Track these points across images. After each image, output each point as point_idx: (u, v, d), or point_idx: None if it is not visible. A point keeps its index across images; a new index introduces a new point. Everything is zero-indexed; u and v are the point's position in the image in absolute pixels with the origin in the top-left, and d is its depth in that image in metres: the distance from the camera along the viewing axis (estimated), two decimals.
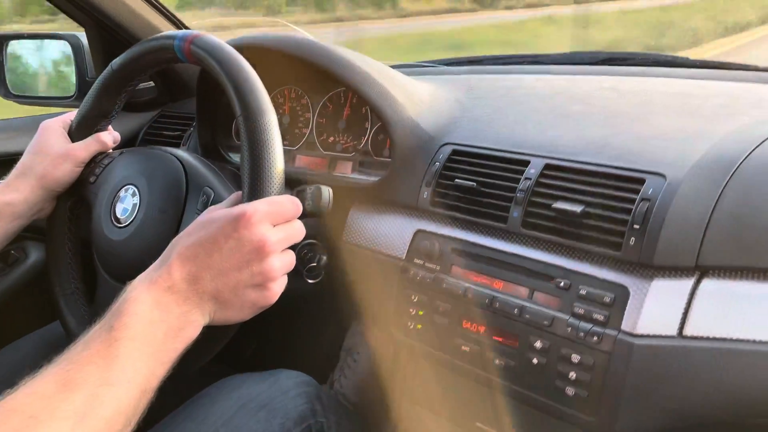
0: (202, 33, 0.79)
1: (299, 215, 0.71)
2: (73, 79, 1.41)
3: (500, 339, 0.82)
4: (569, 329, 0.75)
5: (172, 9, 1.36)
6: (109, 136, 0.96)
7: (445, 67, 1.41)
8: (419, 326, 0.91)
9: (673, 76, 1.11)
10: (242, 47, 0.92)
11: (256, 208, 0.66)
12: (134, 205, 0.87)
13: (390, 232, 0.97)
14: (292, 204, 0.70)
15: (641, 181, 0.74)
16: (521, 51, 2.10)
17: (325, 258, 0.98)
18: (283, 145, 1.16)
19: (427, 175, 0.94)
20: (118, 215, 0.87)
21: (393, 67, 1.28)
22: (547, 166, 0.83)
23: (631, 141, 0.81)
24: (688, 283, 0.69)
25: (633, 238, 0.72)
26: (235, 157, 1.21)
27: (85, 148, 0.93)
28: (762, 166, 0.72)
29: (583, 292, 0.75)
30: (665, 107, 0.93)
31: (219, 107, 1.21)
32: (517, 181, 0.84)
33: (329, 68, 0.99)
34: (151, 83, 1.46)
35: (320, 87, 1.14)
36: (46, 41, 1.50)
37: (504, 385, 0.82)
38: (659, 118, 0.88)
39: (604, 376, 0.72)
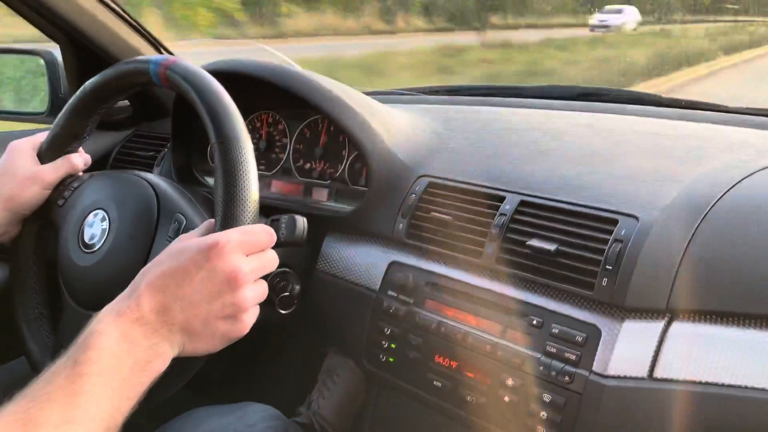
0: (178, 58, 0.78)
1: (273, 245, 0.70)
2: (46, 95, 1.39)
3: (472, 375, 0.81)
4: (541, 368, 0.75)
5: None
6: (80, 159, 0.94)
7: (423, 95, 1.42)
8: (391, 359, 0.90)
9: (646, 114, 1.13)
10: (218, 72, 0.91)
11: (229, 237, 0.65)
12: (103, 230, 0.85)
13: (364, 262, 0.96)
14: (265, 233, 0.69)
15: (614, 222, 0.75)
16: None
17: (298, 287, 0.96)
18: (259, 170, 1.16)
19: (403, 206, 0.93)
20: (87, 240, 0.85)
21: (370, 93, 1.28)
22: (522, 203, 0.83)
23: (606, 181, 0.82)
24: (658, 325, 0.70)
25: (605, 279, 0.73)
26: (210, 180, 1.19)
27: (54, 170, 0.91)
28: (733, 210, 0.73)
29: (555, 330, 0.75)
30: (638, 147, 0.94)
31: (195, 129, 1.20)
32: (493, 216, 0.84)
33: (306, 96, 0.99)
34: (127, 102, 1.44)
35: (298, 113, 1.14)
36: (20, 56, 1.48)
37: (475, 422, 0.82)
38: (632, 158, 0.89)
39: (575, 416, 0.72)
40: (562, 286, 0.77)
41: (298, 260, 1.00)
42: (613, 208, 0.76)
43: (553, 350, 0.74)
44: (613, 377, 0.70)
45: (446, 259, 0.88)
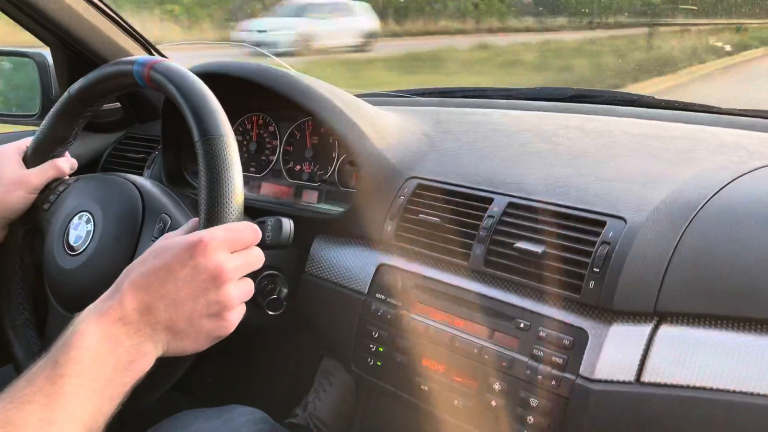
0: (162, 59, 0.78)
1: (258, 243, 0.70)
2: (38, 97, 1.38)
3: (459, 379, 0.81)
4: (528, 372, 0.74)
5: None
6: (66, 163, 0.94)
7: (415, 97, 1.41)
8: (379, 363, 0.89)
9: (638, 116, 1.13)
10: (207, 74, 0.91)
11: (213, 234, 0.64)
12: (88, 232, 0.84)
13: (353, 265, 0.95)
14: (250, 230, 0.68)
15: (602, 224, 0.74)
16: None
17: (285, 290, 0.96)
18: (249, 172, 1.16)
19: (391, 208, 0.93)
20: (72, 243, 0.85)
21: (362, 95, 1.28)
22: (510, 205, 0.82)
23: (594, 182, 0.81)
24: (646, 328, 0.69)
25: (592, 282, 0.72)
26: None
27: (40, 174, 0.90)
28: (721, 212, 0.72)
29: (542, 333, 0.74)
30: (628, 149, 0.94)
31: (184, 131, 1.19)
32: (481, 218, 0.83)
33: (294, 98, 0.98)
34: (118, 104, 1.44)
35: (288, 115, 1.13)
36: (11, 58, 1.47)
37: (463, 427, 0.81)
38: (622, 160, 0.88)
39: (562, 421, 0.71)
40: (549, 289, 0.76)
41: (287, 263, 1.00)
42: (600, 210, 0.76)
43: (540, 354, 0.74)
44: (600, 381, 0.69)
45: (434, 261, 0.88)
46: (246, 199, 0.71)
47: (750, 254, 0.68)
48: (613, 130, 1.02)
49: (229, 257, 0.64)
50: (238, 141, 0.72)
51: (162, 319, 0.62)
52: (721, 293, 0.67)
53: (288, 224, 0.74)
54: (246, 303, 0.68)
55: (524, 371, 0.74)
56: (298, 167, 1.12)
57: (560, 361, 0.72)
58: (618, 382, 0.68)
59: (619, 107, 1.19)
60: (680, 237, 0.71)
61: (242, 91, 1.06)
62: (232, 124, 0.73)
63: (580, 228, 0.76)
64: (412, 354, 0.85)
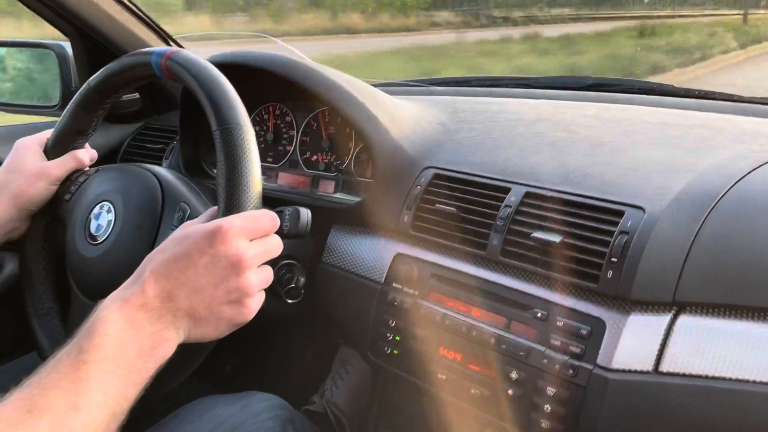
0: (180, 49, 0.78)
1: (276, 233, 0.70)
2: (57, 88, 1.40)
3: (476, 368, 0.81)
4: (545, 361, 0.74)
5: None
6: (86, 154, 0.95)
7: (432, 87, 1.41)
8: (396, 351, 0.90)
9: (657, 105, 1.11)
10: (224, 64, 0.91)
11: (232, 222, 0.65)
12: (109, 221, 0.85)
13: (369, 254, 0.96)
14: (269, 218, 0.69)
15: (620, 214, 0.74)
16: None
17: (303, 279, 0.96)
18: (266, 162, 1.17)
19: (408, 198, 0.93)
20: (93, 232, 0.86)
21: (378, 85, 1.28)
22: (528, 194, 0.82)
23: (612, 172, 0.81)
24: (664, 318, 0.69)
25: (610, 272, 0.71)
26: None
27: (61, 165, 0.92)
28: (741, 201, 0.72)
29: (560, 323, 0.74)
30: (647, 138, 0.93)
31: (202, 121, 1.20)
32: (498, 208, 0.83)
33: (311, 88, 0.98)
34: (136, 95, 1.45)
35: (305, 105, 1.14)
36: (32, 49, 1.49)
37: (479, 415, 0.81)
38: (641, 149, 0.87)
39: (579, 410, 0.71)
40: (566, 279, 0.75)
41: (304, 252, 1.01)
42: (619, 200, 0.75)
43: (558, 343, 0.74)
44: (618, 371, 0.69)
45: (451, 251, 0.88)
46: (263, 189, 0.71)
47: None
48: (631, 118, 1.01)
49: (248, 245, 0.65)
50: (255, 131, 0.72)
51: (183, 306, 0.63)
52: (741, 283, 0.67)
53: (306, 214, 0.74)
54: (264, 291, 0.69)
55: (541, 360, 0.74)
56: (315, 157, 1.12)
57: (577, 350, 0.72)
58: (636, 372, 0.68)
59: (638, 96, 1.18)
60: (700, 227, 0.70)
61: (259, 81, 1.07)
62: (249, 115, 0.73)
63: (597, 217, 0.76)
64: (429, 343, 0.85)
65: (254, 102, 1.19)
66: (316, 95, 0.97)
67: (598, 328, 0.71)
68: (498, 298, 0.81)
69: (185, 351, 0.65)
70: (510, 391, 0.77)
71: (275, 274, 0.92)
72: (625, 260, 0.71)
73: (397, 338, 0.89)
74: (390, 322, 0.90)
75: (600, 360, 0.70)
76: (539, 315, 0.76)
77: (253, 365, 1.39)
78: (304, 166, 1.13)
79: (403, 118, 1.02)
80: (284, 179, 1.15)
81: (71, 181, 0.93)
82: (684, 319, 0.68)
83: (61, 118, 0.92)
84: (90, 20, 1.22)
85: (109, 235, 0.84)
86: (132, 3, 1.28)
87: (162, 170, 0.91)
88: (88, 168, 0.96)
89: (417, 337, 0.87)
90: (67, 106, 0.91)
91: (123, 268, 0.71)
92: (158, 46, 1.37)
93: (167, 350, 0.62)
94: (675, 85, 1.22)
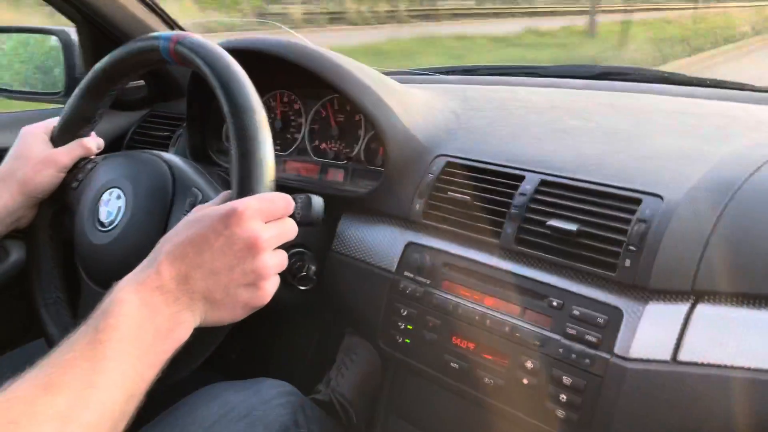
0: (188, 33, 0.77)
1: (291, 213, 0.69)
2: (62, 75, 1.39)
3: (490, 357, 0.80)
4: (561, 350, 0.73)
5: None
6: (93, 142, 0.94)
7: (440, 75, 1.40)
8: (407, 340, 0.89)
9: (668, 93, 1.11)
10: (233, 50, 0.90)
11: (247, 204, 0.64)
12: (119, 208, 0.84)
13: (380, 243, 0.95)
14: (283, 201, 0.68)
15: (638, 202, 0.73)
16: None
17: (314, 267, 0.95)
18: (275, 150, 1.15)
19: (420, 186, 0.92)
20: (102, 219, 0.85)
21: (387, 73, 1.27)
22: (543, 183, 0.81)
23: (629, 160, 0.80)
24: (683, 307, 0.68)
25: (628, 260, 0.71)
26: (225, 161, 1.19)
27: (68, 153, 0.91)
28: (760, 190, 0.71)
29: (576, 312, 0.74)
30: (662, 126, 0.92)
31: (210, 109, 1.19)
32: (512, 196, 0.83)
33: (323, 75, 0.97)
34: (142, 82, 1.44)
35: (313, 92, 1.13)
36: (36, 36, 1.48)
37: (493, 404, 0.81)
38: (656, 137, 0.87)
39: (595, 399, 0.70)
40: (583, 267, 0.75)
41: (314, 241, 1.00)
42: (636, 188, 0.74)
43: (574, 332, 0.73)
44: (635, 360, 0.68)
45: (464, 239, 0.87)
46: None
47: None
48: (644, 107, 1.01)
49: (264, 227, 0.64)
50: None
51: (199, 288, 0.62)
52: (761, 272, 0.66)
53: (318, 201, 0.74)
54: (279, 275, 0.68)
55: (557, 349, 0.74)
56: (324, 145, 1.11)
57: (594, 339, 0.71)
58: (653, 361, 0.68)
59: (649, 84, 1.17)
60: (719, 215, 0.69)
61: (267, 68, 1.05)
62: None
63: (615, 205, 0.75)
64: (442, 332, 0.85)
65: (262, 89, 1.16)
66: (329, 82, 0.96)
67: (615, 317, 0.71)
68: (512, 287, 0.80)
69: (201, 335, 0.64)
70: (525, 380, 0.76)
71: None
72: (643, 249, 0.70)
73: (409, 327, 0.89)
74: (402, 311, 0.89)
75: (617, 349, 0.70)
76: (554, 304, 0.76)
77: (258, 354, 1.39)
78: (312, 154, 1.12)
79: (414, 106, 1.01)
80: (292, 167, 1.14)
81: (78, 168, 0.92)
82: (702, 308, 0.68)
83: (66, 105, 0.91)
84: (96, 6, 1.20)
85: (119, 221, 0.84)
86: None
87: (172, 156, 0.90)
88: (94, 156, 0.95)
89: (430, 325, 0.86)
90: (73, 93, 0.89)
91: (135, 254, 0.70)
92: (163, 31, 1.36)
93: (183, 333, 0.62)
94: (686, 74, 1.21)
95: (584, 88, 1.19)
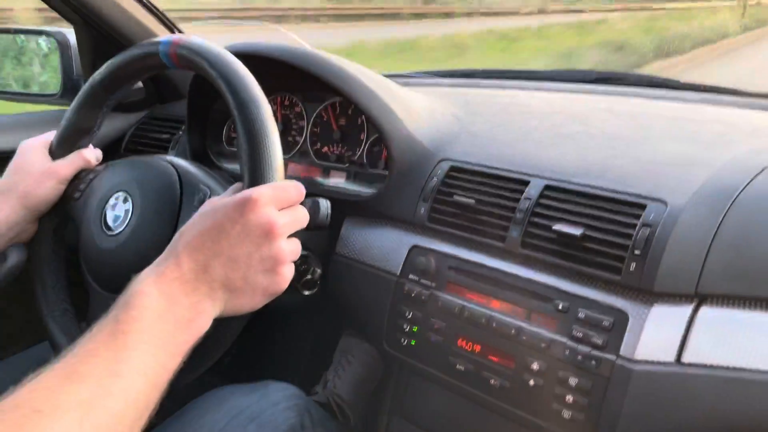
0: (185, 35, 0.77)
1: (301, 202, 0.70)
2: (59, 76, 1.38)
3: (496, 359, 0.82)
4: (567, 352, 0.75)
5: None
6: (92, 153, 0.93)
7: (438, 78, 1.41)
8: (413, 342, 0.90)
9: (665, 98, 1.13)
10: (237, 54, 0.90)
11: (261, 191, 0.65)
12: (126, 211, 0.84)
13: (385, 246, 0.96)
14: (295, 188, 0.69)
15: (642, 207, 0.75)
16: None
17: (319, 271, 0.96)
18: None
19: (424, 190, 0.93)
20: (110, 223, 0.85)
21: (388, 76, 1.27)
22: (548, 187, 0.83)
23: (632, 165, 0.82)
24: (687, 309, 0.70)
25: (633, 264, 0.72)
26: (226, 164, 1.19)
27: (69, 164, 0.90)
28: (761, 195, 0.73)
29: (581, 315, 0.75)
30: (663, 131, 0.94)
31: (211, 112, 1.19)
32: (517, 200, 0.84)
33: (326, 78, 0.98)
34: (139, 84, 1.43)
35: (315, 96, 1.13)
36: (32, 36, 1.47)
37: (499, 406, 0.82)
38: (657, 143, 0.88)
39: (601, 400, 0.72)
40: (588, 271, 0.76)
41: (317, 244, 1.00)
42: (641, 193, 0.76)
43: (580, 335, 0.74)
44: (641, 362, 0.70)
45: (469, 243, 0.88)
46: None
47: None
48: (644, 112, 1.02)
49: (278, 213, 0.65)
50: None
51: (218, 277, 0.63)
52: (763, 275, 0.68)
53: (325, 205, 0.74)
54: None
55: (563, 352, 0.75)
56: (326, 149, 1.12)
57: (600, 341, 0.73)
58: (658, 363, 0.69)
59: (644, 89, 1.19)
60: (721, 220, 0.71)
61: (268, 71, 1.05)
62: None
63: (620, 210, 0.76)
64: (447, 334, 0.86)
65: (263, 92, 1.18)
66: (332, 86, 0.97)
67: (620, 319, 0.72)
68: (517, 290, 0.82)
69: (220, 326, 0.65)
70: (531, 382, 0.78)
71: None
72: (648, 253, 0.72)
73: (414, 329, 0.90)
74: (407, 313, 0.90)
75: (623, 351, 0.71)
76: (561, 307, 0.77)
77: (254, 355, 1.39)
78: (314, 157, 1.13)
79: (417, 110, 1.02)
80: (294, 170, 1.14)
81: (80, 179, 0.91)
82: (706, 311, 0.69)
83: (65, 117, 0.90)
84: (96, 8, 1.20)
85: (127, 224, 0.83)
86: None
87: (175, 158, 0.90)
88: (94, 167, 0.95)
89: (435, 328, 0.87)
90: (71, 105, 0.89)
91: (146, 255, 0.70)
92: (163, 34, 1.36)
93: (204, 323, 0.62)
94: (681, 80, 1.23)
95: (581, 92, 1.21)
